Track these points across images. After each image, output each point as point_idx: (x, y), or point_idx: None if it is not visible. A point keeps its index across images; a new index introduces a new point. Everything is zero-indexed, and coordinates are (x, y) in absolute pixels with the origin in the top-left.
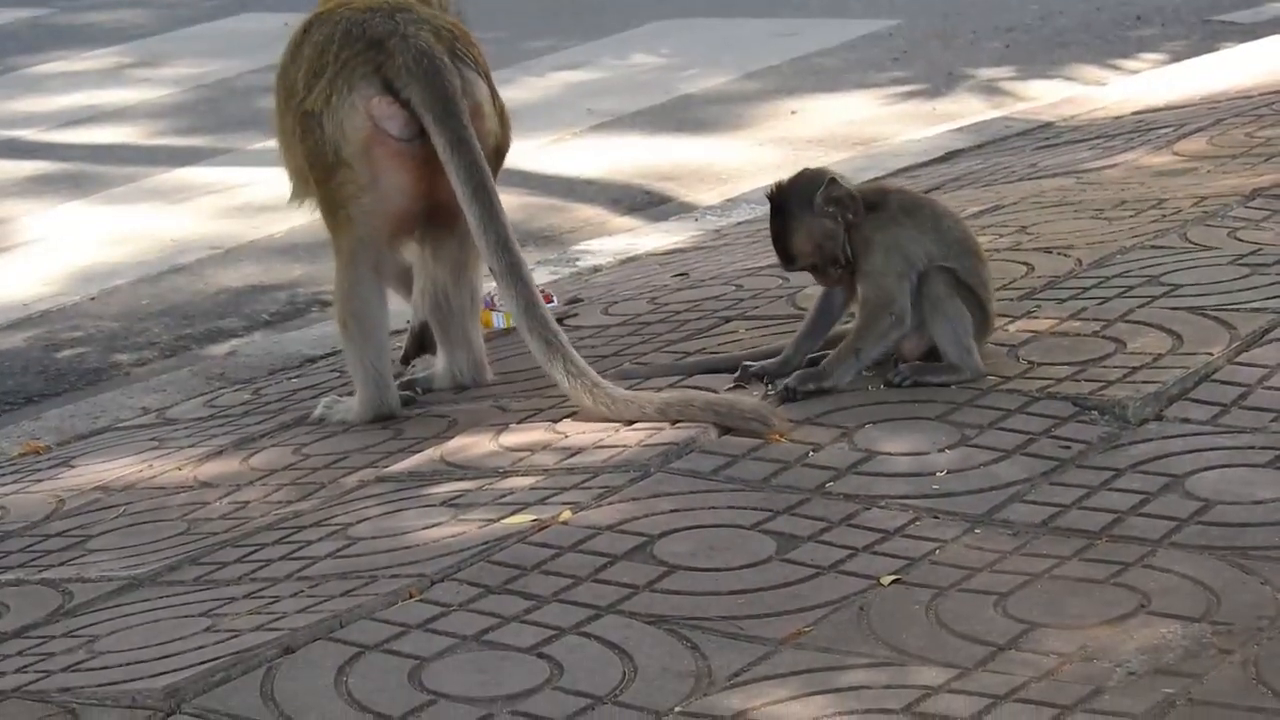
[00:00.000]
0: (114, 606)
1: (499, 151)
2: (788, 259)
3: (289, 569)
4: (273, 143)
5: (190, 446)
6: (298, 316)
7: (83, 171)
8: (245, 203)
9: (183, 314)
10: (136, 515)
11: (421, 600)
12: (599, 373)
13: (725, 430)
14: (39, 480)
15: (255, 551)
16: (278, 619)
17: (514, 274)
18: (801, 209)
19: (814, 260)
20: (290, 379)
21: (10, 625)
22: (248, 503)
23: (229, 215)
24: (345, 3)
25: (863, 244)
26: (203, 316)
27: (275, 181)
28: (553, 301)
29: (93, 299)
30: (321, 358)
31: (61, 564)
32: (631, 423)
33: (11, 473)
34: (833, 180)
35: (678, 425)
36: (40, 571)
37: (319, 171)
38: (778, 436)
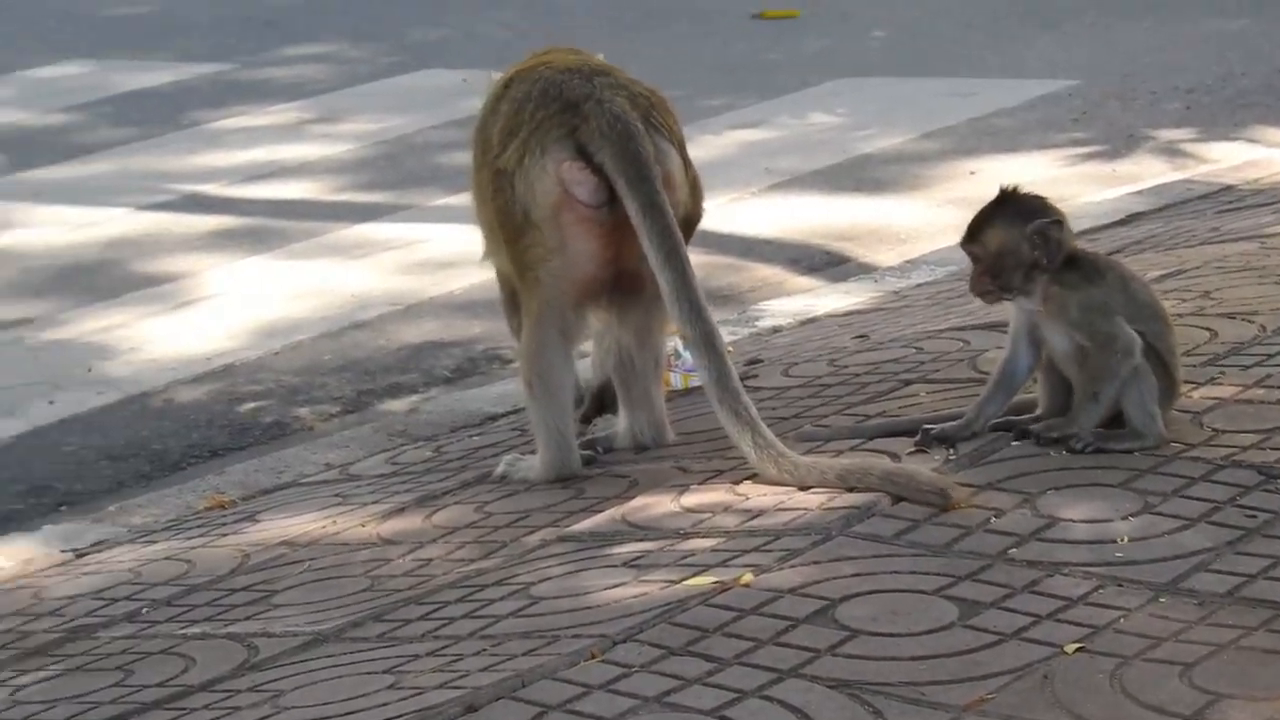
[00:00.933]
0: (299, 662)
1: (689, 222)
2: (970, 239)
3: (471, 627)
4: (453, 199)
5: (373, 503)
6: (476, 373)
7: (264, 226)
8: (425, 258)
9: (364, 369)
10: (321, 571)
11: (604, 661)
12: (780, 435)
13: (899, 499)
14: (224, 534)
15: (438, 609)
16: (460, 677)
17: (707, 344)
18: (1015, 218)
19: (986, 263)
20: (472, 436)
21: (196, 679)
22: (430, 560)
23: (409, 271)
24: (546, 61)
25: (1054, 298)
26: (383, 372)
27: (454, 237)
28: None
29: (275, 353)
30: (503, 415)
31: (247, 618)
32: (807, 488)
33: (198, 527)
34: (1057, 222)
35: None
36: (226, 625)
37: (508, 231)
38: (959, 506)
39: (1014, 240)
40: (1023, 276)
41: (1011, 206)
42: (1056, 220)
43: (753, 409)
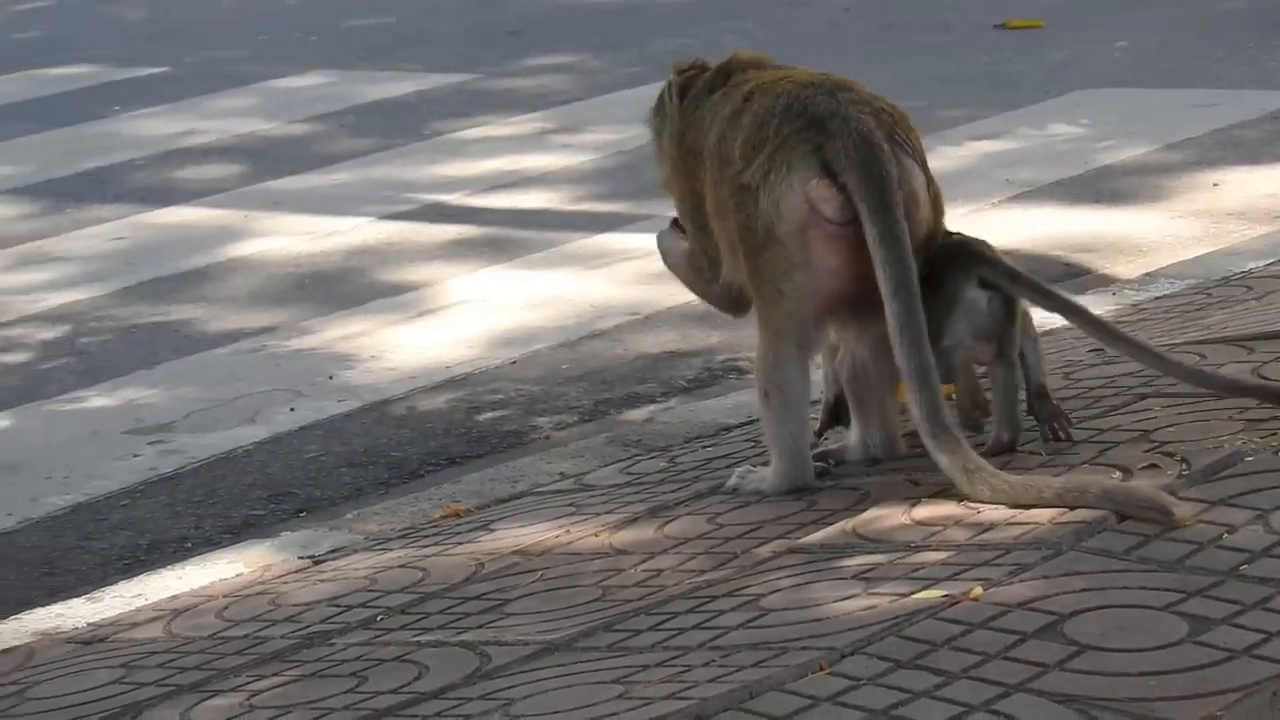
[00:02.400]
0: (529, 670)
1: (930, 238)
2: None
3: (701, 638)
4: None
5: (607, 513)
6: (714, 384)
7: (504, 236)
8: (664, 269)
9: (601, 379)
10: (553, 580)
11: (831, 673)
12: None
13: (1123, 518)
14: (459, 543)
15: (668, 620)
16: (689, 688)
17: (921, 380)
18: None
19: None
20: (705, 447)
21: (429, 686)
22: (662, 571)
23: (647, 281)
24: (786, 75)
25: None
26: (621, 382)
27: None
28: None
29: (514, 363)
30: (737, 426)
31: (479, 626)
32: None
33: (432, 535)
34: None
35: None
36: (459, 633)
37: (749, 245)
38: (1183, 523)
39: None
40: None
41: None
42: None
43: (964, 444)
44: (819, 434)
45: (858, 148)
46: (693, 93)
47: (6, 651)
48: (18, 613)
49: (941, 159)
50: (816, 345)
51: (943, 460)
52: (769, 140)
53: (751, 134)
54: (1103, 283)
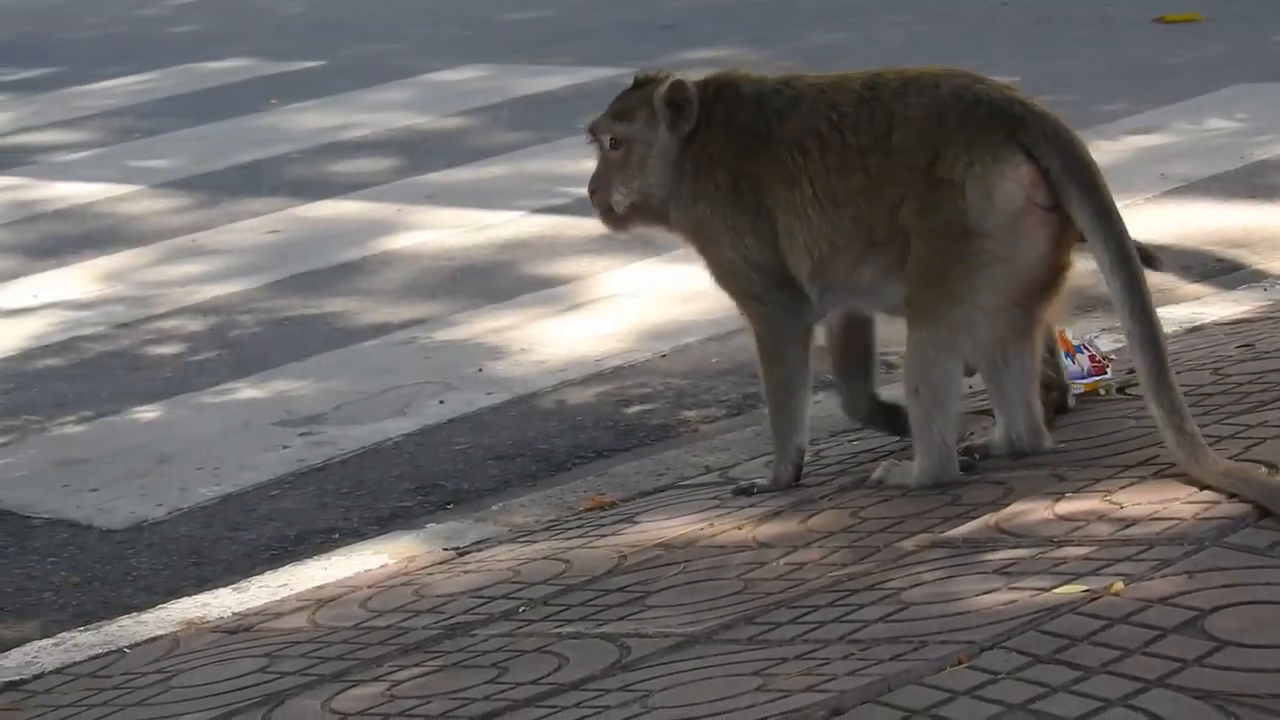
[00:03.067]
0: (669, 663)
1: None
2: None
3: (840, 631)
4: None
5: (750, 506)
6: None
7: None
8: None
9: (749, 372)
10: (695, 573)
11: (970, 667)
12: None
13: (1265, 514)
14: (602, 535)
15: (808, 613)
16: (827, 681)
17: (1152, 342)
18: None
19: None
20: (851, 441)
21: (568, 677)
22: (804, 564)
23: None
24: (900, 71)
25: None
26: None
27: None
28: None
29: (663, 356)
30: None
31: (620, 619)
32: (1205, 487)
33: (577, 527)
34: None
35: (1233, 499)
36: (600, 625)
37: (944, 240)
38: None
39: None
40: None
41: None
42: None
43: (1184, 404)
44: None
45: (1054, 130)
46: (721, 96)
47: (153, 640)
48: (165, 601)
49: (1097, 153)
50: (987, 343)
51: (1159, 416)
52: (956, 131)
53: (927, 127)
54: (1256, 278)
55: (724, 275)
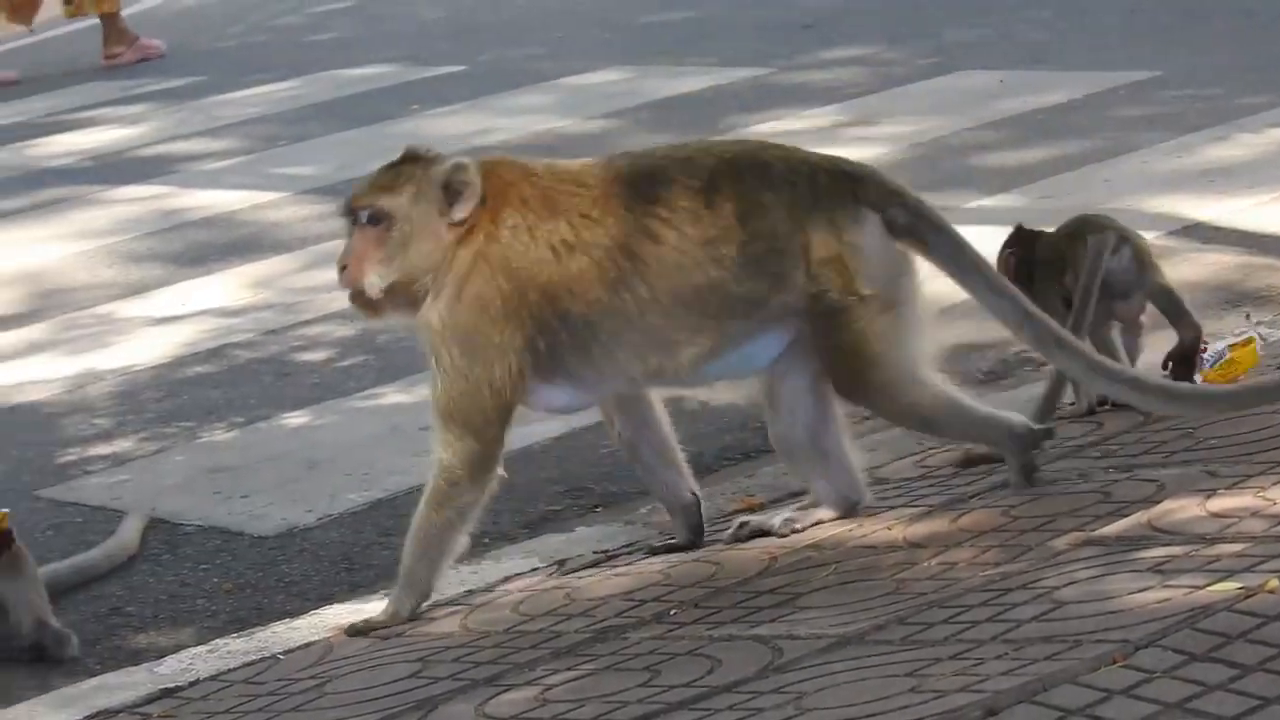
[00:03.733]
0: (822, 664)
1: None
2: None
3: (994, 631)
4: (987, 200)
5: (900, 506)
6: (1008, 375)
7: None
8: None
9: None
10: (846, 574)
11: (1125, 666)
12: None
13: None
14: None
15: (961, 613)
16: (981, 681)
17: (1057, 343)
18: None
19: None
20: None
21: (721, 680)
22: (956, 564)
23: (943, 275)
24: (708, 151)
25: None
26: None
27: (991, 239)
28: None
29: None
30: None
31: (772, 620)
32: None
33: (726, 528)
34: None
35: None
36: (751, 627)
37: (843, 314)
38: None
39: None
40: None
41: None
42: None
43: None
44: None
45: (881, 180)
46: (511, 188)
47: (306, 646)
48: (318, 607)
49: (1238, 147)
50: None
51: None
52: (811, 208)
53: (778, 210)
54: None
55: (453, 394)
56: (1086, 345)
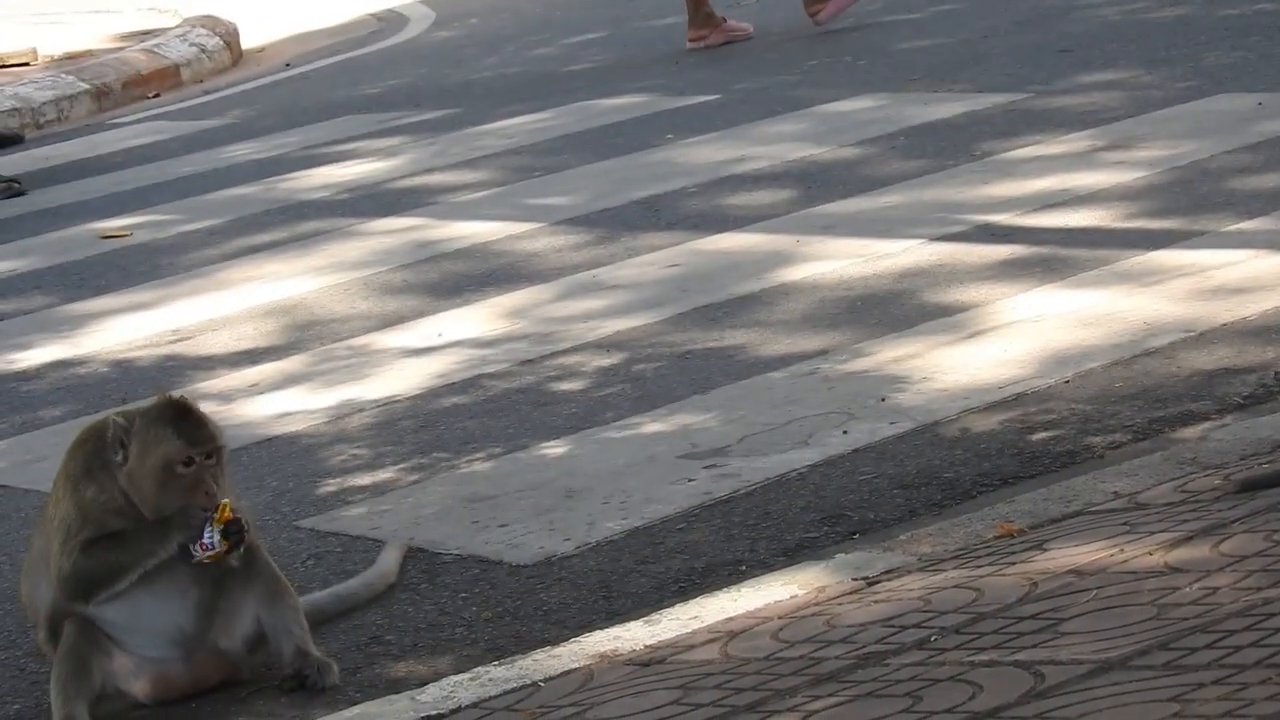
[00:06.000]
0: (1084, 690)
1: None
2: None
3: (1258, 656)
4: (1247, 224)
5: (1161, 531)
6: (1270, 399)
7: (1055, 255)
8: (1219, 284)
9: (1154, 397)
10: (1107, 599)
11: None
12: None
13: None
14: (1012, 563)
15: (1224, 638)
16: (1245, 706)
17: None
18: None
19: None
20: (1262, 464)
21: (982, 706)
22: (1217, 588)
23: (1201, 297)
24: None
25: None
26: (1174, 399)
27: (1250, 263)
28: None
29: (1066, 381)
30: None
31: (1034, 646)
32: None
33: (986, 555)
34: None
35: None
36: (1013, 653)
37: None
38: None
39: None
40: None
41: None
42: None
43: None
44: None
45: None
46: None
47: (566, 673)
48: (577, 635)
49: None
50: None
51: None
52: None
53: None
54: None
55: None
56: None
